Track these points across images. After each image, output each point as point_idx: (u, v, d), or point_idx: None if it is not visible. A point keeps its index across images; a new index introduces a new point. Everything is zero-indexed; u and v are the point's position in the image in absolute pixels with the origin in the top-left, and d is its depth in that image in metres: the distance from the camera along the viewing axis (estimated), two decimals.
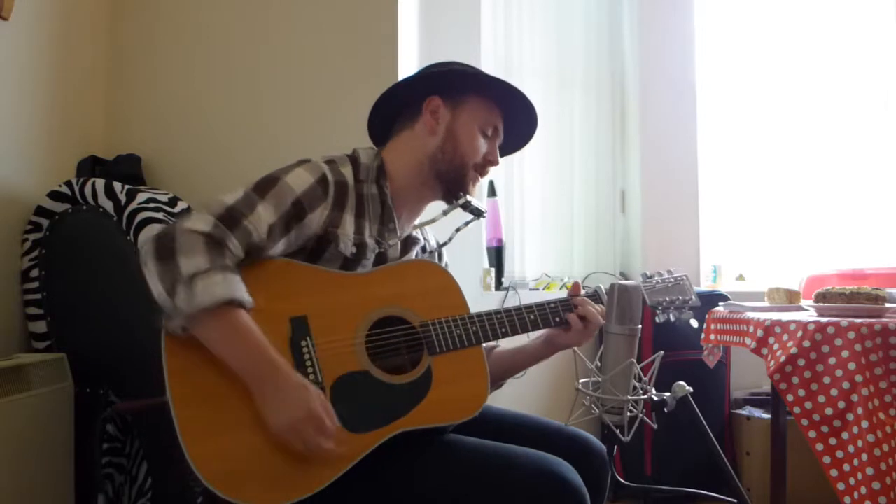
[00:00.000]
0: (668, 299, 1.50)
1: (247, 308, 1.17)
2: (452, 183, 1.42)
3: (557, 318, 1.39)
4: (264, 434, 1.16)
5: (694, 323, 2.72)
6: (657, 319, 1.51)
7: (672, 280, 1.52)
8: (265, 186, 1.26)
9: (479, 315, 1.33)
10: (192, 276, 1.13)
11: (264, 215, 1.23)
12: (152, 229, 1.77)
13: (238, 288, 1.17)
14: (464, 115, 1.41)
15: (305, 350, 1.22)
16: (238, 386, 1.17)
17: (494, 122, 1.44)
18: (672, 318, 1.51)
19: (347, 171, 1.35)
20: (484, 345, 1.34)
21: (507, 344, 1.48)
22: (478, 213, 1.44)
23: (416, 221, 1.49)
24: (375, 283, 1.31)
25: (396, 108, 1.45)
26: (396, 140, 1.45)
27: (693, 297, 1.53)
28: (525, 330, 1.37)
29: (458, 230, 1.48)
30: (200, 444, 1.13)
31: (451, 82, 1.42)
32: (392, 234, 1.38)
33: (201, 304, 1.12)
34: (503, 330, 1.35)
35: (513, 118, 1.47)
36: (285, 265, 1.27)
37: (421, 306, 1.31)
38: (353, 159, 1.39)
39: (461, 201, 1.41)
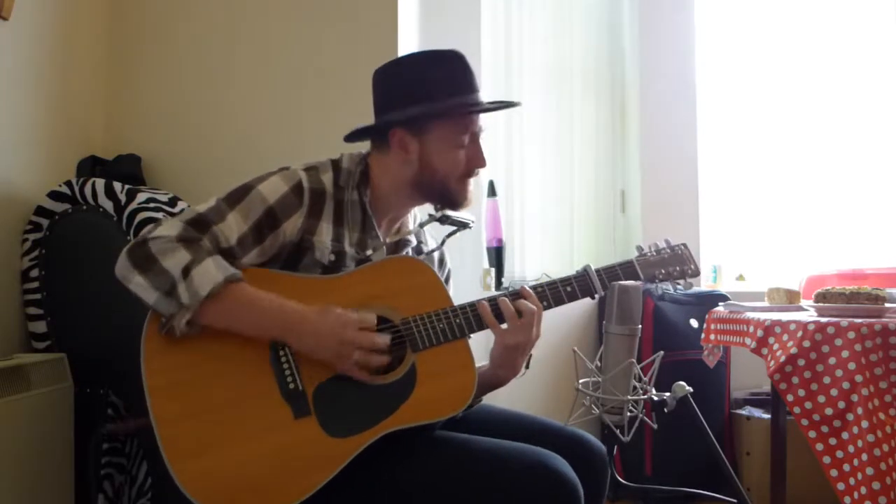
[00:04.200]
0: (663, 271, 1.43)
1: (242, 279, 1.20)
2: (443, 201, 1.39)
3: (545, 301, 1.35)
4: (249, 446, 1.16)
5: (694, 323, 2.74)
6: (656, 292, 1.47)
7: (668, 251, 1.45)
8: (237, 196, 1.27)
9: (462, 307, 1.31)
10: (184, 270, 1.16)
11: (234, 225, 1.24)
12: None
13: (228, 265, 1.20)
14: (433, 141, 1.35)
15: (283, 358, 1.22)
16: (220, 400, 1.18)
17: (469, 128, 1.36)
18: (671, 288, 1.46)
19: (327, 178, 1.34)
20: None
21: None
22: (461, 226, 1.42)
23: (410, 225, 1.48)
24: (354, 283, 1.30)
25: (369, 131, 1.41)
26: (376, 156, 1.41)
27: (693, 265, 1.45)
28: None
29: (448, 236, 1.47)
30: (186, 462, 1.14)
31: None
32: (374, 241, 1.37)
33: (206, 292, 1.15)
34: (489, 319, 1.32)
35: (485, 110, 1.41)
36: (260, 274, 1.26)
37: (402, 303, 1.29)
38: (336, 165, 1.37)
39: (437, 216, 1.39)
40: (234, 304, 1.19)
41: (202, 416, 1.17)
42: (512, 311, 1.29)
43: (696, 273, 1.47)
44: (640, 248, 1.46)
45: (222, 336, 1.20)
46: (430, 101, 1.33)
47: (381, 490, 1.21)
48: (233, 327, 1.20)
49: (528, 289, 1.34)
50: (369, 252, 1.36)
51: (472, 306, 1.31)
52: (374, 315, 1.23)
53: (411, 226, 1.49)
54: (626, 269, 1.40)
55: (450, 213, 1.39)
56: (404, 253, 1.45)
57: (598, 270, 1.38)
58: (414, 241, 1.49)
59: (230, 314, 1.19)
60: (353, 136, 1.43)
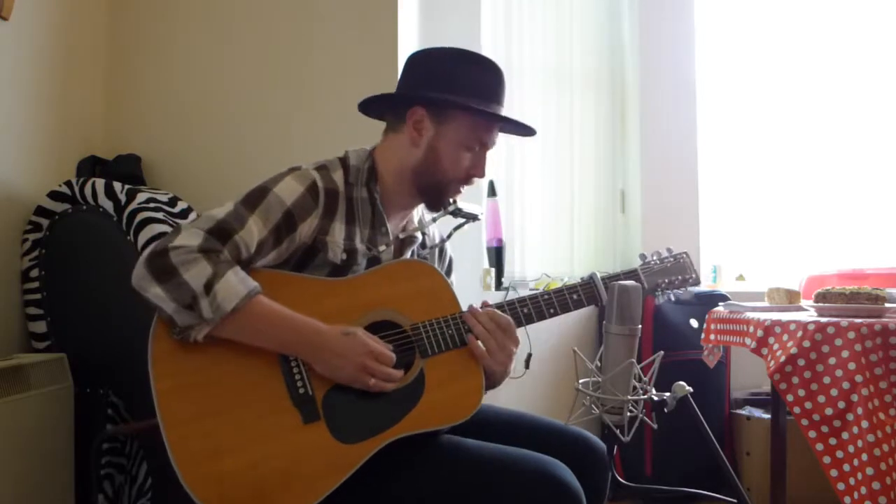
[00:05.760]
0: (666, 280, 1.46)
1: (261, 292, 1.19)
2: (432, 197, 1.39)
3: (552, 309, 1.36)
4: (258, 450, 1.16)
5: (694, 323, 2.74)
6: (657, 301, 1.49)
7: (671, 259, 1.47)
8: (255, 199, 1.25)
9: None
10: (206, 285, 1.14)
11: (255, 230, 1.22)
12: (152, 229, 1.77)
13: (247, 277, 1.19)
14: (448, 132, 1.34)
15: (294, 363, 1.22)
16: (229, 404, 1.17)
17: (481, 137, 1.37)
18: (672, 297, 1.49)
19: (338, 177, 1.33)
20: None
21: None
22: (471, 218, 1.42)
23: (415, 221, 1.48)
24: (363, 287, 1.29)
25: (388, 103, 1.41)
26: (386, 140, 1.41)
27: (694, 274, 1.48)
28: (519, 324, 1.34)
29: (456, 228, 1.47)
30: (194, 465, 1.13)
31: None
32: (384, 237, 1.37)
33: (230, 308, 1.14)
34: None
35: (507, 123, 1.42)
36: (271, 276, 1.25)
37: (411, 308, 1.29)
38: (344, 163, 1.37)
39: (451, 209, 1.39)
40: (255, 319, 1.18)
41: (211, 420, 1.16)
42: (494, 345, 1.28)
43: (697, 282, 1.50)
44: (643, 256, 1.48)
45: (232, 340, 1.19)
46: (464, 96, 1.33)
47: (386, 496, 1.21)
48: (252, 341, 1.19)
49: (477, 310, 1.31)
50: (382, 248, 1.36)
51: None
52: (393, 354, 1.23)
53: (415, 221, 1.49)
54: (630, 278, 1.41)
55: (461, 205, 1.39)
56: (412, 249, 1.46)
57: (603, 279, 1.39)
58: (420, 237, 1.49)
59: (251, 329, 1.18)
60: (370, 107, 1.42)
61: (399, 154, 1.38)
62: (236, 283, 1.16)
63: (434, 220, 1.44)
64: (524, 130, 1.46)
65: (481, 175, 1.40)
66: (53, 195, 1.84)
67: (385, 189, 1.38)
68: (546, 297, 1.36)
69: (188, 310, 1.14)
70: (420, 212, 1.50)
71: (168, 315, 1.15)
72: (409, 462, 1.22)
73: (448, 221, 1.46)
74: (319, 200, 1.29)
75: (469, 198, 1.45)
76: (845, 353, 1.64)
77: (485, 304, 1.33)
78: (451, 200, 1.39)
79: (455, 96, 1.33)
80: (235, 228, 1.21)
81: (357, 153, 1.39)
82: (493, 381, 1.34)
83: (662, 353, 1.38)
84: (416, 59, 1.43)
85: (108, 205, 1.81)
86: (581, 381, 1.36)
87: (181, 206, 1.97)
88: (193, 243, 1.17)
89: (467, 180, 1.39)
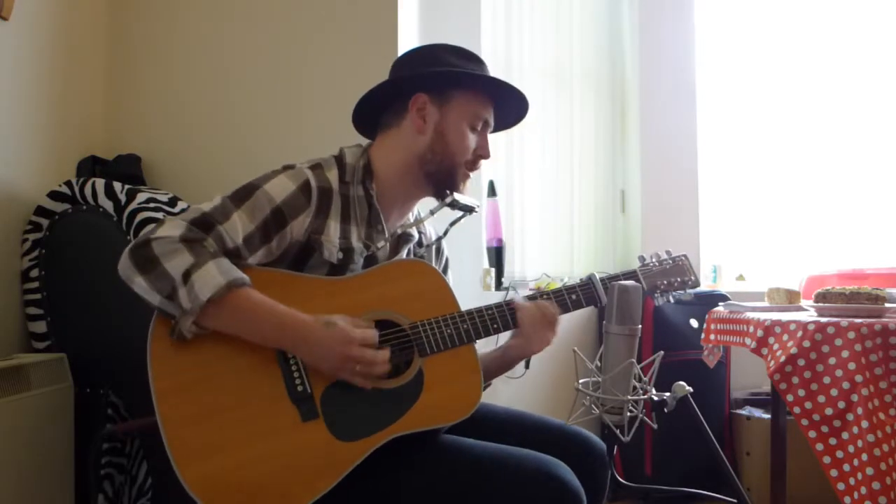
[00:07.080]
0: (665, 282, 1.46)
1: (248, 284, 1.18)
2: (442, 183, 1.39)
3: None
4: (256, 449, 1.16)
5: (694, 323, 2.74)
6: (656, 303, 1.49)
7: (670, 262, 1.47)
8: (243, 195, 1.25)
9: (469, 312, 1.31)
10: (185, 274, 1.14)
11: (239, 224, 1.22)
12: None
13: (233, 268, 1.18)
14: (452, 113, 1.37)
15: (292, 360, 1.22)
16: (227, 402, 1.18)
17: (484, 115, 1.40)
18: (671, 300, 1.49)
19: (333, 175, 1.33)
20: None
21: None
22: (468, 210, 1.42)
23: (411, 219, 1.48)
24: (363, 286, 1.29)
25: (384, 101, 1.42)
26: (384, 137, 1.42)
27: (693, 277, 1.48)
28: (519, 324, 1.34)
29: (452, 224, 1.47)
30: (193, 464, 1.14)
31: (438, 78, 1.38)
32: (380, 235, 1.37)
33: (206, 297, 1.14)
34: (495, 326, 1.33)
35: (503, 102, 1.44)
36: (268, 275, 1.25)
37: (410, 307, 1.29)
38: (339, 161, 1.37)
39: (448, 200, 1.39)
40: (235, 310, 1.17)
41: (209, 419, 1.16)
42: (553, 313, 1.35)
43: (696, 284, 1.50)
44: (642, 258, 1.48)
45: (230, 337, 1.19)
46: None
47: (385, 495, 1.21)
48: (238, 333, 1.19)
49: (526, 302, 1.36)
50: (381, 244, 1.36)
51: (479, 312, 1.32)
52: (376, 332, 1.23)
53: (411, 219, 1.49)
54: (629, 280, 1.41)
55: (458, 197, 1.39)
56: (409, 247, 1.46)
57: (602, 279, 1.39)
58: (416, 235, 1.49)
59: (231, 320, 1.18)
60: (371, 96, 1.42)
61: (401, 146, 1.38)
62: (216, 274, 1.15)
63: (432, 212, 1.43)
64: (518, 112, 1.48)
65: (487, 155, 1.42)
66: (53, 195, 1.84)
67: (382, 186, 1.38)
68: (545, 297, 1.37)
69: (169, 300, 1.14)
70: (416, 211, 1.50)
71: (156, 307, 1.16)
72: (408, 461, 1.22)
73: (444, 218, 1.46)
74: (312, 199, 1.29)
75: (469, 196, 1.45)
76: (845, 353, 1.64)
77: (538, 290, 1.35)
78: (448, 192, 1.39)
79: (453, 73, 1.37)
80: (219, 220, 1.21)
81: (352, 151, 1.40)
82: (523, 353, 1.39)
83: (662, 353, 1.38)
84: (400, 61, 1.46)
85: (108, 205, 1.81)
86: (581, 381, 1.36)
87: (181, 206, 1.97)
88: (175, 233, 1.17)
89: (475, 162, 1.41)
